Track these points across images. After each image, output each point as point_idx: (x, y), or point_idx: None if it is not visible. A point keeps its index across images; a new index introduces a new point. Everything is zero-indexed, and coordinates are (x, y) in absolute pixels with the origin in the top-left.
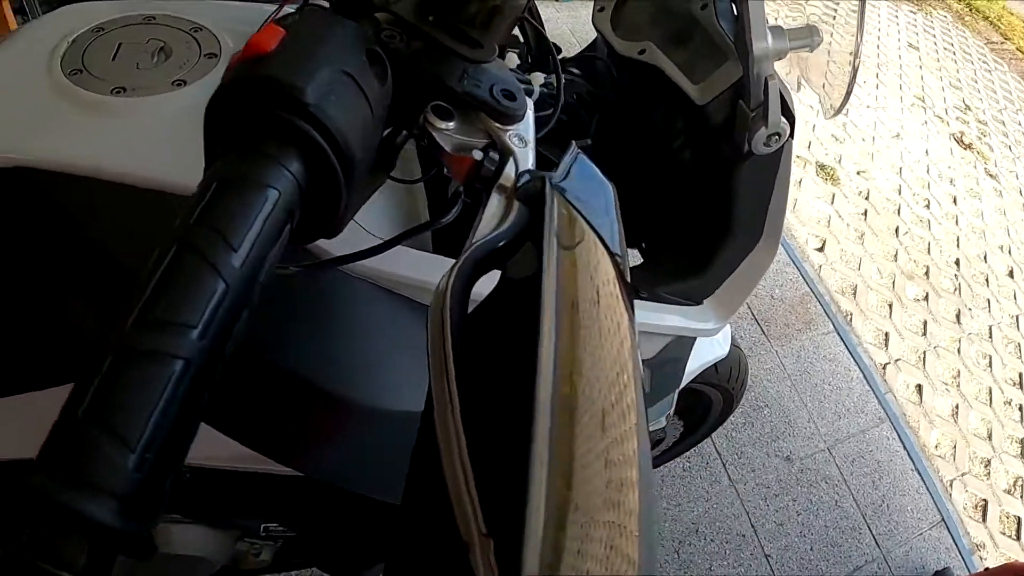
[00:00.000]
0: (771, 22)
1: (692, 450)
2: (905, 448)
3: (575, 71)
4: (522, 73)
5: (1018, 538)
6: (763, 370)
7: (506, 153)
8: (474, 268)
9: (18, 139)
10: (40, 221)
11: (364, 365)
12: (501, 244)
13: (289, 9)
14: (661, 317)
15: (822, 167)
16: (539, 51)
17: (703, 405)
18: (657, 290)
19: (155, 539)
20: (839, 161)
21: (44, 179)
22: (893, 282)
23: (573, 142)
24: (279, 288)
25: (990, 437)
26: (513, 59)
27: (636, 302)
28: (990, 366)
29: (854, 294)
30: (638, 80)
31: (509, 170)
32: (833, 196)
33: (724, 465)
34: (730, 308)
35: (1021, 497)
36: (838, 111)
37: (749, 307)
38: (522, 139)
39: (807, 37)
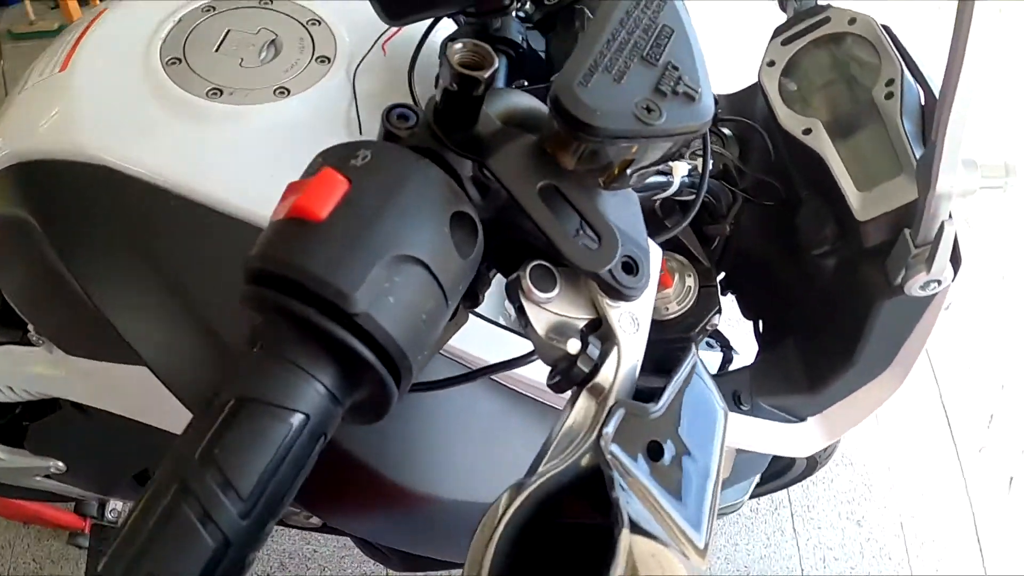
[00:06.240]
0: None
1: None
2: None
3: (725, 132)
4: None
5: None
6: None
7: (610, 341)
8: (536, 510)
9: (99, 133)
10: (112, 220)
11: (419, 450)
12: (572, 481)
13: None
14: (758, 437)
15: None
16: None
17: (783, 464)
18: (760, 399)
19: None
20: None
21: (118, 179)
22: None
23: (693, 347)
24: None
25: None
26: (683, 168)
27: (734, 416)
28: None
29: None
30: (795, 163)
31: (608, 368)
32: None
33: (792, 516)
34: (836, 431)
35: None
36: None
37: None
38: (635, 320)
39: (1001, 176)
